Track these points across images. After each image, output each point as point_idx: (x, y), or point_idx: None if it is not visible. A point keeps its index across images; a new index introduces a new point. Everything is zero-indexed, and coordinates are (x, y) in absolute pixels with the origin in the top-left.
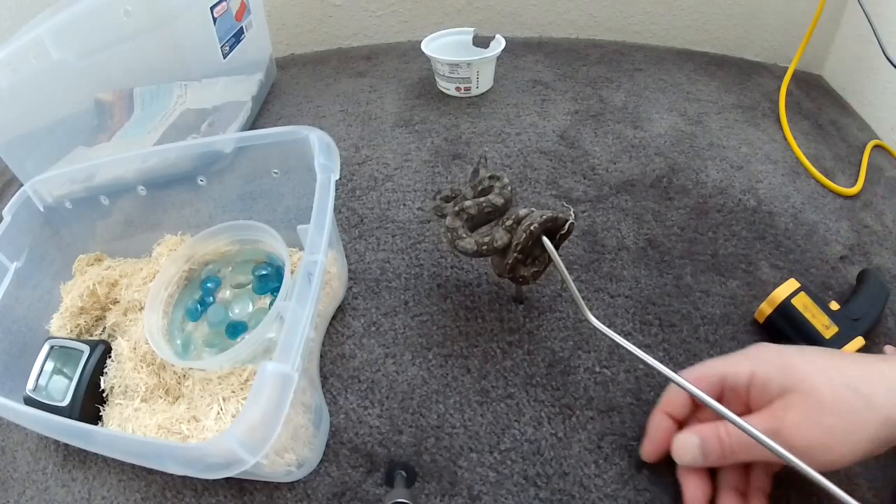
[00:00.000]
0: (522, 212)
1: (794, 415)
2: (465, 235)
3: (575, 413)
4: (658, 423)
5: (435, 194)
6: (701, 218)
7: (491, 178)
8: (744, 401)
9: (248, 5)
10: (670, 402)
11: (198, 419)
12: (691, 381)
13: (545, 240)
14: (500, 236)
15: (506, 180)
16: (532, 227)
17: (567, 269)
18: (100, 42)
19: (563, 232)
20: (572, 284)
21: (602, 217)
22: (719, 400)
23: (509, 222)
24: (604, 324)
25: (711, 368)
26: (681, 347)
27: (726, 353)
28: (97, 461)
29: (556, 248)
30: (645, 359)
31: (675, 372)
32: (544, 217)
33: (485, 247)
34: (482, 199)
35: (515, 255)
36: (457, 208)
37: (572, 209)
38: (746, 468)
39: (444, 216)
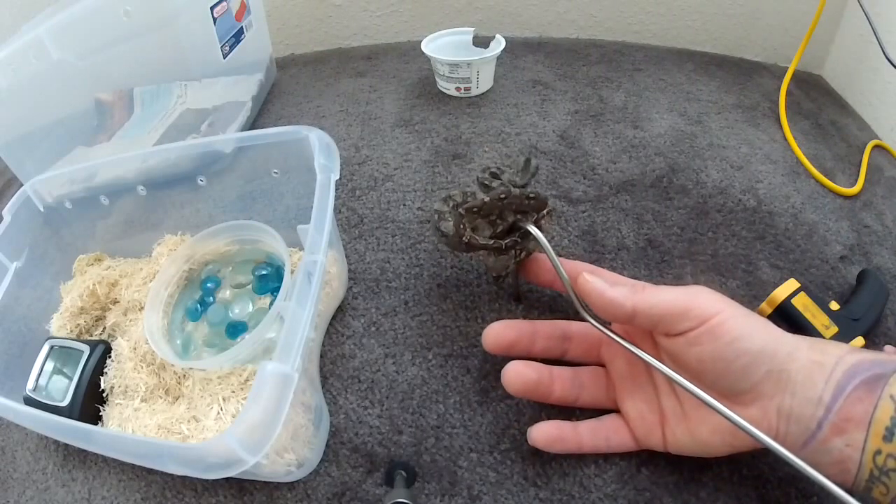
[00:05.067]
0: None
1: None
2: (448, 219)
3: (575, 413)
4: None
5: (484, 169)
6: (701, 218)
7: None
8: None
9: (248, 5)
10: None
11: (198, 419)
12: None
13: (535, 230)
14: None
15: (515, 191)
16: (485, 199)
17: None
18: (100, 42)
19: (529, 202)
20: (565, 275)
21: (602, 217)
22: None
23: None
24: (604, 323)
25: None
26: None
27: None
28: (97, 461)
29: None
30: (643, 357)
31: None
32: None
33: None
34: (468, 190)
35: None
36: (444, 196)
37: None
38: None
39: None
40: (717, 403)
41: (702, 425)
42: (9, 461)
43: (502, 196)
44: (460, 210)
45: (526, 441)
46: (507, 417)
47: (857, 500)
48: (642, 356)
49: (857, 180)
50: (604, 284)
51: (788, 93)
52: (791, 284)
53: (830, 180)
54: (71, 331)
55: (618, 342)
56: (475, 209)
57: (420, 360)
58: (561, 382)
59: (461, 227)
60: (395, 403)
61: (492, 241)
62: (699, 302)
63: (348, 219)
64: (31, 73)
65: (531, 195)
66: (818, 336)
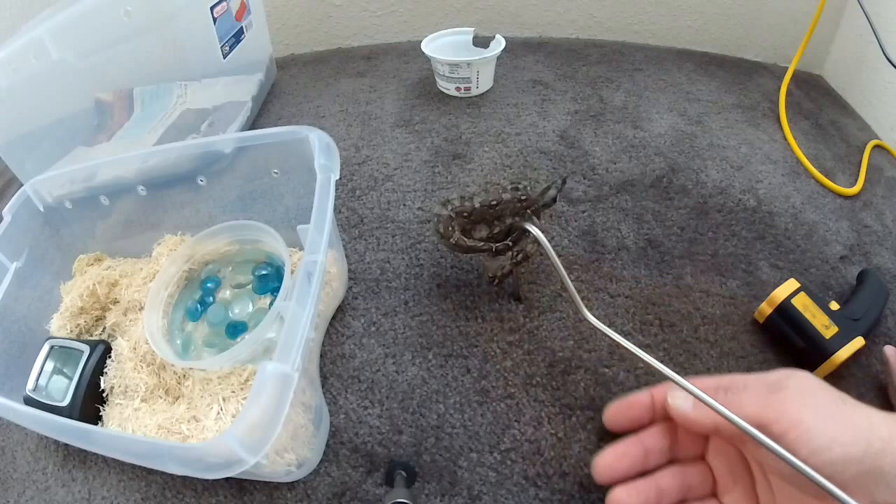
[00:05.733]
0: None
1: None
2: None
3: (575, 413)
4: (639, 396)
5: (512, 181)
6: (701, 218)
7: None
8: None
9: (248, 5)
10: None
11: (198, 419)
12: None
13: (535, 230)
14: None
15: (506, 196)
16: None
17: (567, 269)
18: (100, 42)
19: (521, 204)
20: (566, 276)
21: (602, 217)
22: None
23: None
24: (604, 324)
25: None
26: (681, 347)
27: (726, 353)
28: (97, 461)
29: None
30: (644, 357)
31: (676, 371)
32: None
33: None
34: (465, 194)
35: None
36: (443, 199)
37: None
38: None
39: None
40: (761, 436)
41: None
42: (9, 461)
43: (493, 202)
44: (450, 213)
45: (526, 441)
46: (507, 417)
47: None
48: (668, 373)
49: (857, 180)
50: (686, 407)
51: (788, 93)
52: (791, 284)
53: (830, 180)
54: (71, 331)
55: (635, 352)
56: (465, 213)
57: (420, 360)
58: (668, 498)
59: (449, 228)
60: (395, 403)
61: (481, 244)
62: (778, 413)
63: (348, 219)
64: (31, 73)
65: (522, 197)
66: (818, 336)
